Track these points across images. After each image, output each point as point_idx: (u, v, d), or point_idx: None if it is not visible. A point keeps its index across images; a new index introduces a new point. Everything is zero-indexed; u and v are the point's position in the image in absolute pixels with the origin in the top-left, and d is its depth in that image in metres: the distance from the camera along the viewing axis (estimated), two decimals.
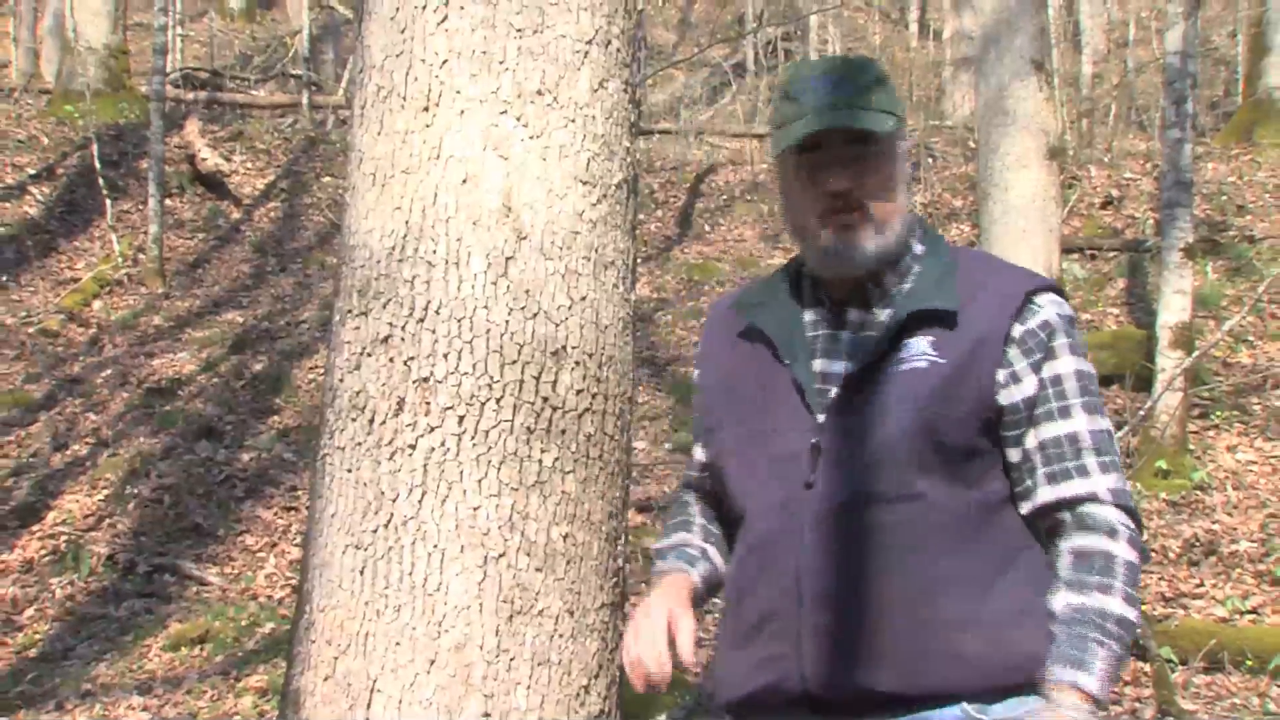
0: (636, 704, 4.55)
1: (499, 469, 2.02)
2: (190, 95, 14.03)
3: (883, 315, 1.82)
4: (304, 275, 10.46)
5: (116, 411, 7.97)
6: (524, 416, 2.04)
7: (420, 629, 1.99)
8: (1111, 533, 1.72)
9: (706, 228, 11.54)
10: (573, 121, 2.10)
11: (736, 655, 1.84)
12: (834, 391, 1.80)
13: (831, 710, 1.74)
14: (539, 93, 2.08)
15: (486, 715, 1.99)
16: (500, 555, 2.01)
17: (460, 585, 2.00)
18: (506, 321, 2.04)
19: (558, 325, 2.07)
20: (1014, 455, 1.77)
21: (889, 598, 1.72)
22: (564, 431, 2.07)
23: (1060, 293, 1.84)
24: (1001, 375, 1.76)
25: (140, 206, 10.69)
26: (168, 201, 10.69)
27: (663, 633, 1.82)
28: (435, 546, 2.01)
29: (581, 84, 2.11)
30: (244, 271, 10.55)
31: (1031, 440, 1.76)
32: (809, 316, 1.87)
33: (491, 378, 2.03)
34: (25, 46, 15.46)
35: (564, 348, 2.08)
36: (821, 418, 1.79)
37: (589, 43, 2.12)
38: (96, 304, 9.74)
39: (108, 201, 10.48)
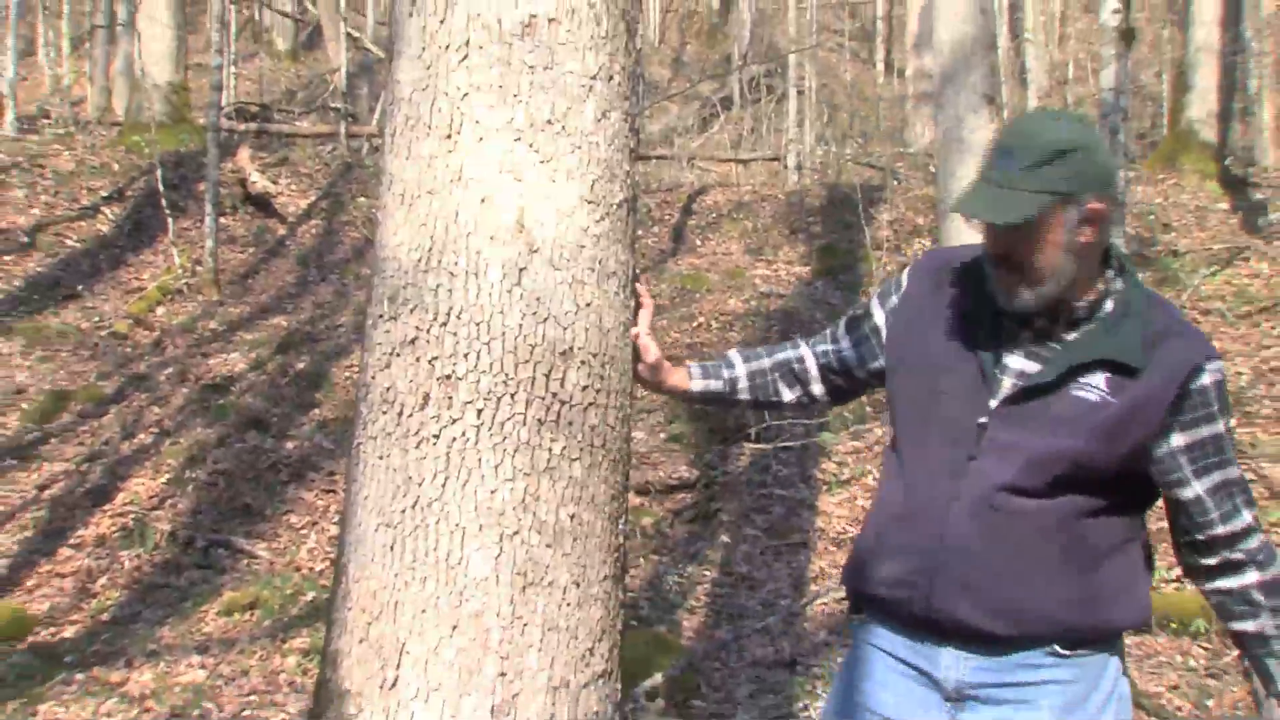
0: (635, 665, 4.53)
1: (513, 456, 2.01)
2: (242, 126, 14.02)
3: (1070, 335, 1.87)
4: (341, 284, 10.45)
5: (177, 405, 7.96)
6: (536, 410, 2.03)
7: (444, 598, 1.98)
8: (1273, 558, 1.89)
9: (697, 242, 11.53)
10: (579, 148, 2.09)
11: (873, 559, 1.98)
12: (1008, 383, 1.87)
13: (941, 633, 1.91)
14: (549, 122, 2.06)
15: (502, 674, 1.98)
16: (515, 533, 2.00)
17: (479, 560, 1.99)
18: (520, 325, 2.03)
19: (566, 329, 2.06)
20: (1186, 494, 1.88)
21: (1013, 567, 1.85)
22: (571, 423, 2.06)
23: (1219, 357, 1.90)
24: (1162, 429, 1.84)
25: (198, 224, 10.68)
26: (222, 220, 10.69)
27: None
28: (457, 525, 1.99)
29: (587, 114, 2.09)
30: (288, 281, 10.54)
31: (1203, 486, 1.86)
32: (1002, 302, 1.90)
33: (507, 375, 2.02)
34: (99, 85, 15.45)
35: (571, 349, 2.06)
36: (994, 404, 1.87)
37: (593, 78, 2.11)
38: (160, 310, 9.73)
39: (169, 220, 10.47)
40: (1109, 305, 1.88)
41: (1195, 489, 1.86)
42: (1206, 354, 1.86)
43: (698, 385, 2.24)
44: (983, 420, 1.85)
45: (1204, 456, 1.85)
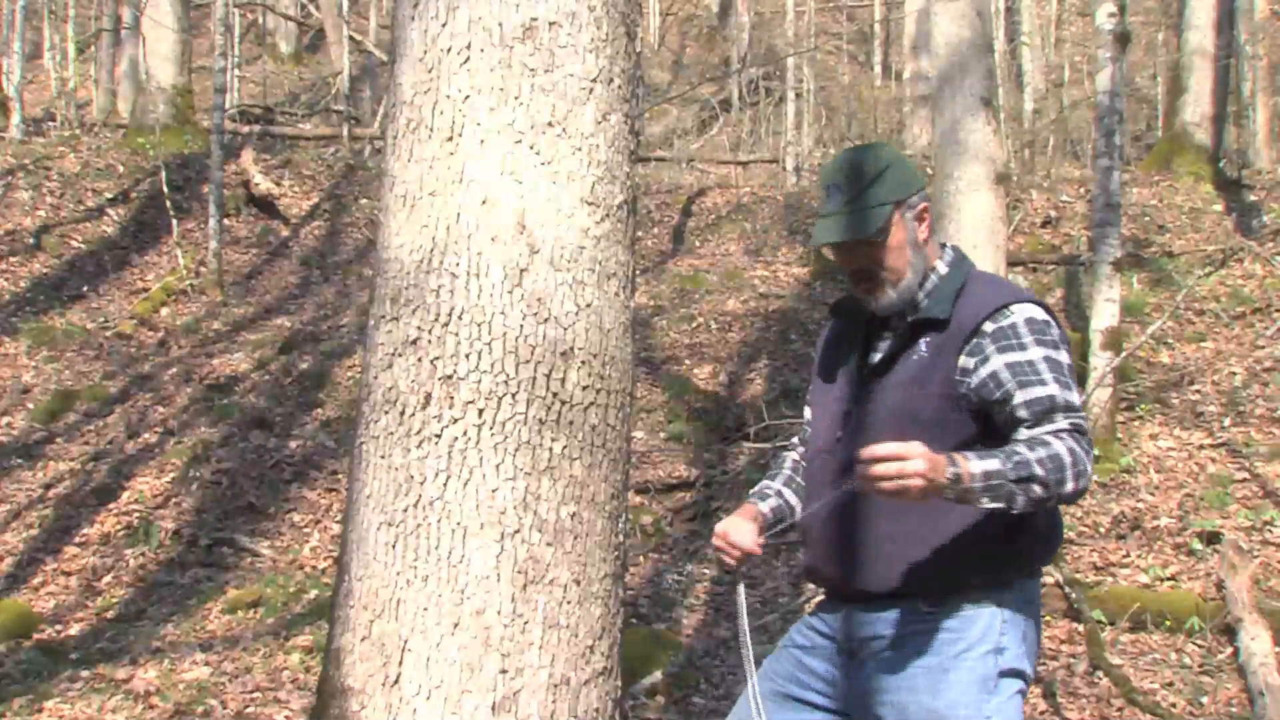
0: (635, 662, 4.53)
1: (514, 456, 2.01)
2: (246, 128, 14.02)
3: (911, 317, 2.11)
4: (344, 285, 10.43)
5: (181, 405, 7.95)
6: (536, 409, 2.03)
7: (445, 596, 1.98)
8: (1055, 433, 1.96)
9: (697, 244, 11.52)
10: (579, 150, 2.09)
11: (805, 549, 2.26)
12: (866, 372, 2.14)
13: (847, 599, 2.14)
14: (550, 124, 2.06)
15: (504, 672, 1.97)
16: (515, 532, 2.00)
17: (480, 558, 1.99)
18: (521, 326, 2.03)
19: (566, 329, 2.06)
20: (1007, 410, 1.99)
21: (869, 527, 2.06)
22: (572, 423, 2.06)
23: (1041, 305, 2.09)
24: (970, 361, 2.02)
25: (202, 225, 10.67)
26: (226, 221, 10.68)
27: (725, 530, 2.23)
28: (458, 524, 1.99)
29: (587, 117, 2.09)
30: (291, 282, 10.52)
31: (1022, 397, 1.98)
32: (871, 308, 2.16)
33: (508, 375, 2.02)
34: (105, 88, 15.46)
35: (571, 349, 2.06)
36: (855, 392, 2.14)
37: (594, 81, 2.11)
38: (164, 311, 9.72)
39: (174, 221, 10.47)
40: (936, 285, 2.12)
41: (1015, 401, 1.98)
42: (1008, 299, 2.05)
43: (771, 513, 2.32)
44: (846, 409, 2.12)
45: (1019, 374, 1.99)
